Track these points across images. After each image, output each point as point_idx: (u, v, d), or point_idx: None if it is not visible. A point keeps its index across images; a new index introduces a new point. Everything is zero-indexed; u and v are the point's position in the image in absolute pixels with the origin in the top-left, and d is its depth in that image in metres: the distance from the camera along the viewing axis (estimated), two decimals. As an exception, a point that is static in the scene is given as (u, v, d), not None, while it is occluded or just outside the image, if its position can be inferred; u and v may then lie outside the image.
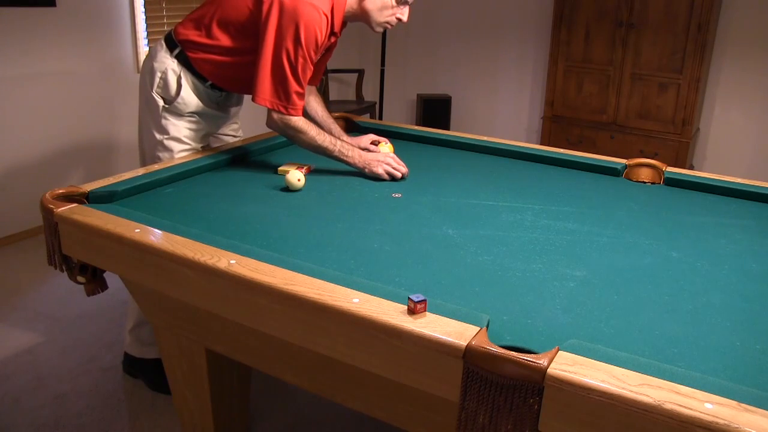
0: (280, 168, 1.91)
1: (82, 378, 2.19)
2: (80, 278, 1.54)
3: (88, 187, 1.60)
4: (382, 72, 5.17)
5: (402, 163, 1.90)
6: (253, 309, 1.20)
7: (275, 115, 1.85)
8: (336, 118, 2.28)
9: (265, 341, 1.35)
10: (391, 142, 2.13)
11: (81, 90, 3.48)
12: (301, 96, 1.86)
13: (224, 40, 1.89)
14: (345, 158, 1.90)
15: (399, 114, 5.46)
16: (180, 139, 1.97)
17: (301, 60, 1.79)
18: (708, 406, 0.83)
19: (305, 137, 1.88)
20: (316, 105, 2.14)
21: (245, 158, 2.04)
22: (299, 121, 1.87)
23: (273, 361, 1.40)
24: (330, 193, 1.75)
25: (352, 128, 2.41)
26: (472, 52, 5.00)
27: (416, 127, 2.43)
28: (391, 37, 5.20)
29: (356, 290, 1.12)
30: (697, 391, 0.86)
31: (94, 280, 1.56)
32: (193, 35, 1.92)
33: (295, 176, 1.74)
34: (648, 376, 0.89)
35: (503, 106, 5.00)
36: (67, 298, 2.71)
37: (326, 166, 1.96)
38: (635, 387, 0.86)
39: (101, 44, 3.52)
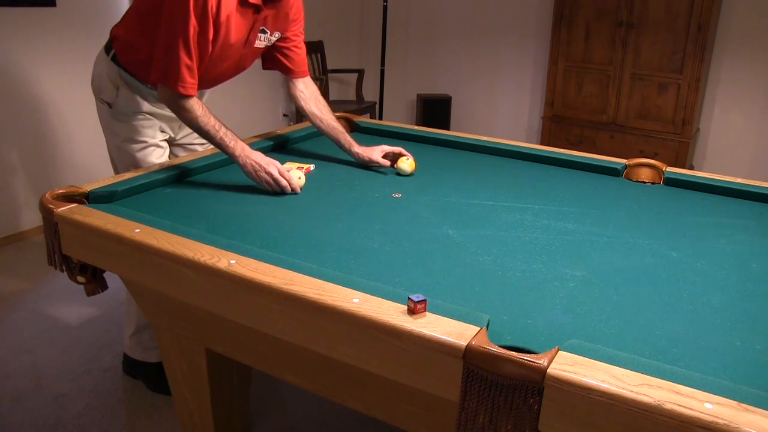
0: (280, 168, 1.91)
1: (82, 378, 2.19)
2: (80, 278, 1.54)
3: (88, 187, 1.60)
4: (382, 72, 5.18)
5: (292, 179, 1.71)
6: (253, 309, 1.20)
7: (163, 91, 1.72)
8: (336, 119, 2.27)
9: (265, 341, 1.35)
10: (404, 148, 1.97)
11: (80, 90, 3.47)
12: (192, 71, 1.69)
13: (142, 30, 1.80)
14: (225, 148, 1.74)
15: (399, 114, 5.46)
16: (133, 138, 1.92)
17: (192, 31, 1.64)
18: (708, 406, 0.83)
19: (189, 116, 1.74)
20: (314, 103, 2.04)
21: (245, 158, 2.03)
22: (188, 101, 1.71)
23: (273, 361, 1.40)
24: (330, 193, 1.75)
25: (352, 128, 2.41)
26: (472, 52, 5.00)
27: (416, 127, 2.43)
28: (391, 37, 5.20)
29: (356, 290, 1.12)
30: (697, 391, 0.86)
31: (94, 280, 1.56)
32: (118, 31, 1.87)
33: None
34: (648, 376, 0.89)
35: (503, 106, 5.01)
36: (67, 298, 2.71)
37: (326, 166, 1.95)
38: (635, 387, 0.86)
39: (101, 44, 3.50)
